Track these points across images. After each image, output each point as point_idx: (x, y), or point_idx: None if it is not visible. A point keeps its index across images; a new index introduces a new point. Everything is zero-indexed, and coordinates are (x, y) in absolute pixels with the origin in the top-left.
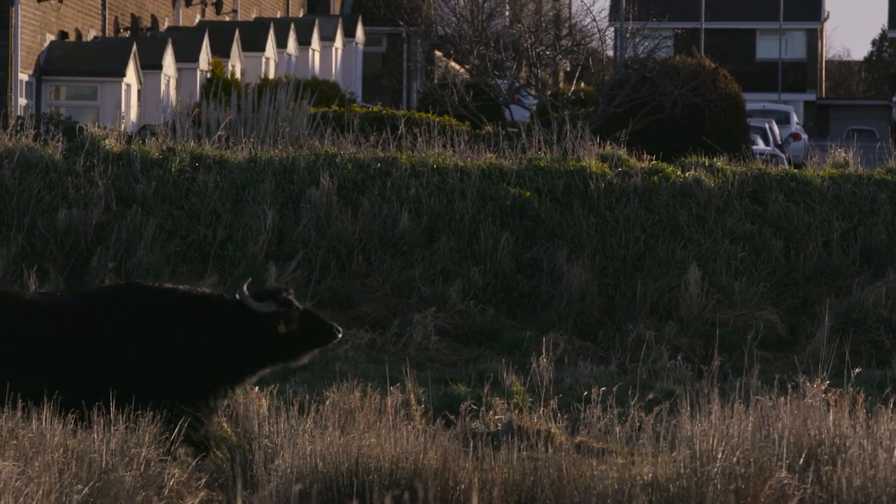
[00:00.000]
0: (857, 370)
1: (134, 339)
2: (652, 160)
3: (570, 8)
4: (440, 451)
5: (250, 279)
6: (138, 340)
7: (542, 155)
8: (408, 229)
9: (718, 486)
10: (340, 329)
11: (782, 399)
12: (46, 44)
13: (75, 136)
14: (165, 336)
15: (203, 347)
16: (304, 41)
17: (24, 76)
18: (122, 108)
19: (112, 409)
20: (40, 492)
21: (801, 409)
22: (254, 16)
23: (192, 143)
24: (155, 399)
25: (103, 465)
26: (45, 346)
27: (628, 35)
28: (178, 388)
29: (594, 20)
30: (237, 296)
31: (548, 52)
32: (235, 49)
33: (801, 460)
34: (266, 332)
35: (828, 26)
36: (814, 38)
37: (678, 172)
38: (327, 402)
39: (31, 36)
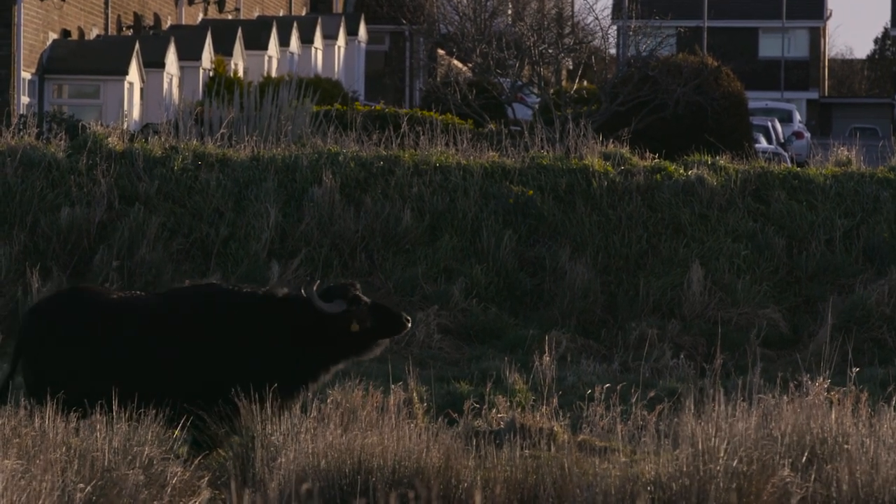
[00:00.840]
0: (856, 369)
1: (213, 340)
2: (654, 158)
3: (572, 6)
4: (443, 449)
5: (318, 280)
6: (217, 341)
7: (545, 153)
8: (410, 228)
9: (721, 484)
10: (410, 318)
11: (785, 397)
12: (49, 42)
13: (78, 134)
14: (244, 337)
15: (280, 348)
16: (306, 39)
17: (26, 74)
18: (125, 107)
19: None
20: (43, 490)
21: (803, 407)
22: (256, 14)
23: (194, 142)
24: (230, 399)
25: (106, 464)
26: (130, 345)
27: (631, 33)
28: (255, 388)
29: (597, 18)
30: (307, 296)
31: (550, 51)
32: (238, 47)
33: (804, 458)
34: (338, 331)
35: (830, 24)
36: (816, 37)
37: (681, 171)
38: (329, 401)
39: (34, 34)
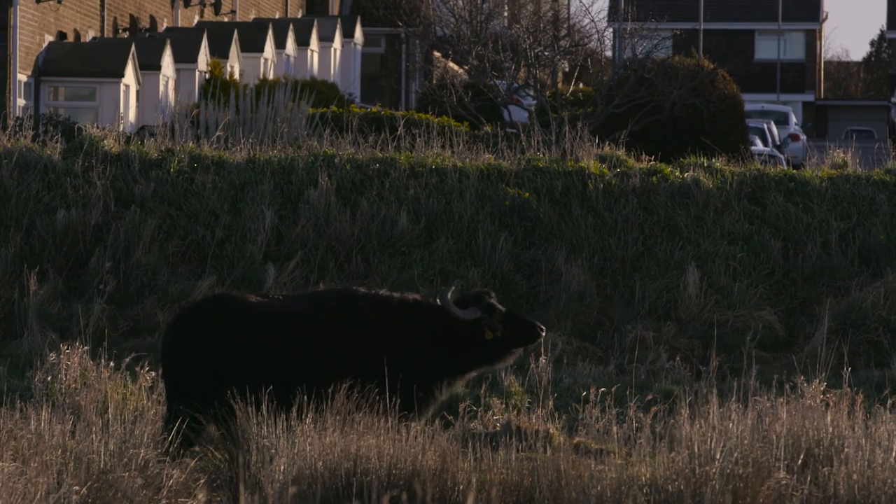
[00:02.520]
0: (849, 369)
1: (353, 343)
2: (650, 161)
3: (568, 8)
4: (439, 451)
5: (454, 287)
6: (357, 345)
7: (541, 155)
8: (406, 230)
9: (717, 486)
10: (543, 327)
11: (781, 399)
12: (45, 44)
13: (74, 136)
14: (381, 342)
15: (416, 354)
16: (302, 42)
17: (22, 77)
18: (121, 109)
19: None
20: (39, 492)
21: (799, 409)
22: (252, 16)
23: (190, 144)
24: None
25: (102, 466)
26: (275, 349)
27: (627, 35)
28: (391, 393)
29: (593, 21)
30: (442, 303)
31: (546, 53)
32: (234, 50)
33: (800, 461)
34: (472, 338)
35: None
36: (812, 39)
37: (677, 173)
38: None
39: (30, 37)
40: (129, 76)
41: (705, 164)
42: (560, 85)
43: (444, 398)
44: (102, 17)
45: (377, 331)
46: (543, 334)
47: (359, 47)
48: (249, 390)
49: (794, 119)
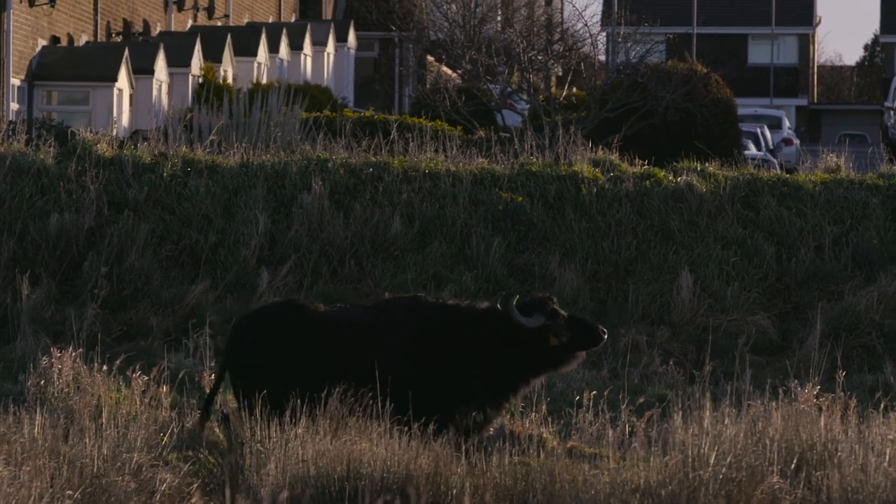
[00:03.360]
0: (842, 373)
1: (420, 351)
2: (644, 165)
3: (562, 13)
4: (432, 456)
5: (517, 295)
6: (424, 353)
7: (534, 160)
8: (400, 234)
9: (710, 490)
10: (605, 330)
11: (774, 404)
12: (38, 49)
13: (67, 140)
14: (448, 349)
15: (482, 361)
16: (296, 46)
17: (15, 81)
18: (114, 113)
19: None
20: (32, 497)
21: (792, 413)
22: (246, 21)
23: (183, 148)
24: (436, 410)
25: (95, 471)
26: (343, 355)
27: (620, 40)
28: (459, 400)
29: (586, 25)
30: (506, 311)
31: (540, 57)
32: (227, 54)
33: (793, 465)
34: (537, 344)
35: (820, 31)
36: (806, 43)
37: (670, 177)
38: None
39: (23, 41)
40: (123, 80)
41: (699, 169)
42: (553, 89)
43: (508, 406)
44: (96, 21)
45: (443, 340)
46: (605, 337)
47: (352, 51)
48: (310, 397)
49: (787, 123)
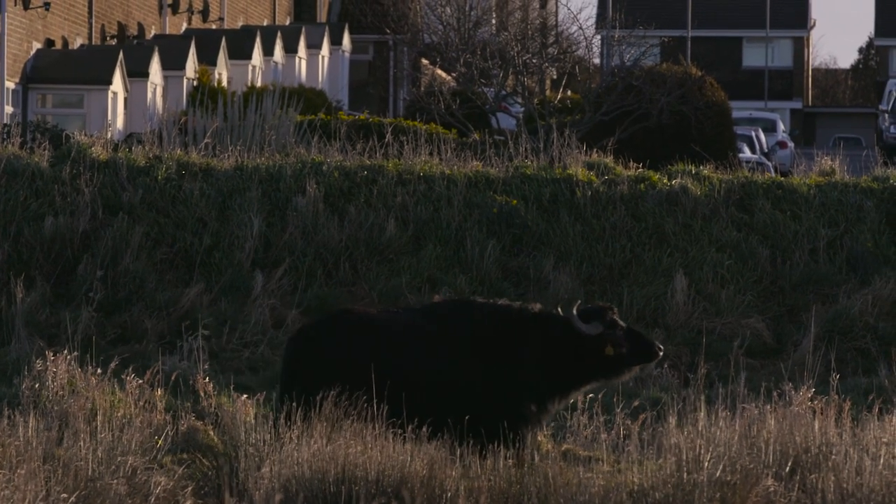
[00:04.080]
0: (837, 376)
1: (474, 355)
2: (638, 168)
3: (556, 16)
4: (427, 458)
5: (580, 300)
6: (477, 356)
7: (529, 163)
8: (394, 237)
9: (705, 493)
10: (662, 347)
11: (768, 407)
12: (33, 52)
13: (62, 143)
14: (501, 352)
15: (535, 364)
16: (290, 49)
17: (10, 84)
18: (109, 116)
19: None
20: (26, 500)
21: (787, 416)
22: (240, 24)
23: (178, 151)
24: (488, 414)
25: (90, 474)
26: (404, 360)
27: (615, 43)
28: (511, 403)
29: (581, 28)
30: (566, 316)
31: (534, 60)
32: (222, 57)
33: (788, 468)
34: (592, 352)
35: (814, 34)
36: (800, 46)
37: (664, 180)
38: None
39: (18, 44)
40: (117, 83)
41: (693, 172)
42: (548, 92)
43: (558, 411)
44: (90, 24)
45: (494, 343)
46: (661, 355)
47: (347, 54)
48: (368, 403)
49: (781, 126)
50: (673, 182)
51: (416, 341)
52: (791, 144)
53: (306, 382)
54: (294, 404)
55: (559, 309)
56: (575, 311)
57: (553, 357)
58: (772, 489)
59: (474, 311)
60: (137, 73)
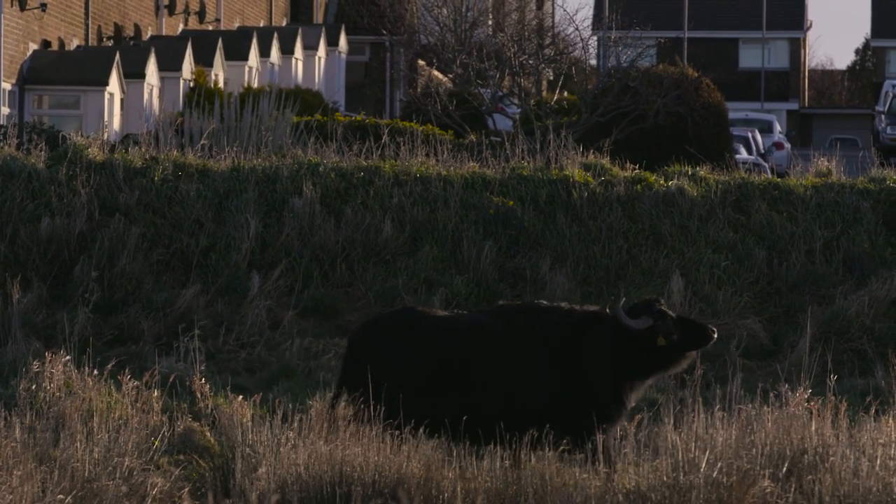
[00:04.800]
0: (834, 377)
1: (541, 357)
2: (635, 169)
3: (553, 17)
4: (423, 460)
5: (624, 298)
6: (544, 359)
7: (525, 164)
8: (391, 238)
9: (701, 494)
10: (715, 329)
11: (765, 408)
12: (29, 53)
13: (58, 145)
14: (567, 355)
15: (602, 368)
16: (287, 50)
17: (6, 85)
18: (105, 117)
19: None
20: (22, 501)
21: (783, 417)
22: (237, 25)
23: (174, 152)
24: (558, 417)
25: (86, 475)
26: (468, 362)
27: (611, 44)
28: (581, 405)
29: (577, 29)
30: (613, 314)
31: (531, 61)
32: (218, 58)
33: (784, 469)
34: (646, 346)
35: (811, 35)
36: (797, 47)
37: (661, 181)
38: (311, 411)
39: (14, 45)
40: (114, 84)
41: (690, 173)
42: (544, 93)
43: (625, 411)
44: (87, 25)
45: (560, 346)
46: (715, 336)
47: (343, 56)
48: (432, 403)
49: (778, 127)
50: (669, 183)
51: (482, 342)
52: (787, 145)
53: (368, 378)
54: (351, 400)
55: (606, 308)
56: (622, 307)
57: (612, 356)
58: (768, 490)
59: (539, 314)
60: (134, 74)
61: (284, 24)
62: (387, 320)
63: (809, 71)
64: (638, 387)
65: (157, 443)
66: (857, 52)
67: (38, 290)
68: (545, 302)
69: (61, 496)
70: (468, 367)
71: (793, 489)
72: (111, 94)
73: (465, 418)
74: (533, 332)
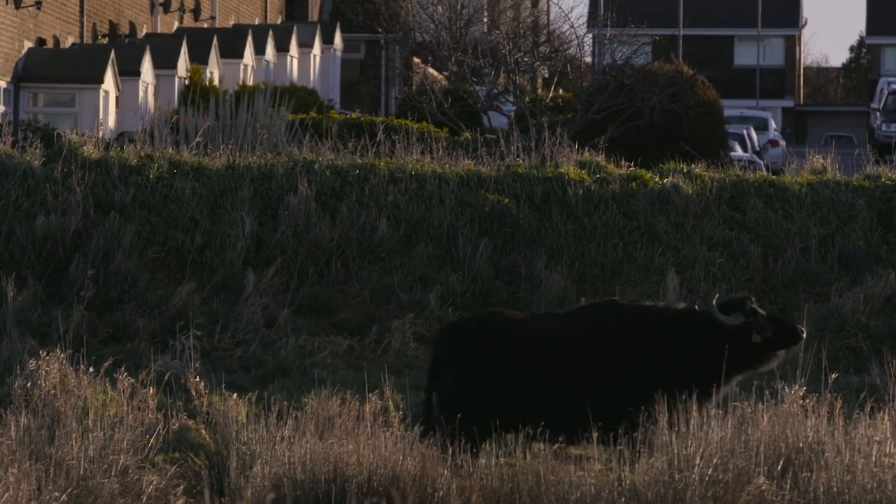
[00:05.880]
0: (834, 375)
1: (617, 358)
2: (630, 167)
3: (548, 14)
4: (418, 457)
5: (718, 294)
6: (630, 356)
7: (521, 161)
8: (386, 236)
9: (696, 492)
10: (804, 328)
11: (760, 405)
12: (24, 50)
13: (53, 142)
14: (652, 352)
15: (686, 361)
16: (282, 48)
17: (1, 83)
18: (100, 115)
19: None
20: (18, 499)
21: (779, 415)
22: (232, 23)
23: (170, 150)
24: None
25: (81, 473)
26: (557, 365)
27: (606, 41)
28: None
29: (572, 27)
30: (706, 311)
31: (526, 59)
32: (213, 56)
33: (780, 466)
34: (738, 343)
35: (806, 33)
36: (792, 45)
37: (656, 179)
38: (306, 409)
39: (9, 43)
40: (109, 82)
41: (685, 170)
42: (540, 91)
43: (711, 407)
44: (82, 23)
45: (642, 344)
46: (804, 336)
47: (338, 53)
48: (517, 406)
49: (773, 125)
50: (665, 181)
51: (568, 343)
52: (783, 143)
53: (460, 385)
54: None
55: (697, 305)
56: (714, 304)
57: (702, 352)
58: (763, 488)
59: (618, 314)
60: (129, 71)
61: (280, 21)
62: (475, 323)
63: (805, 68)
64: (725, 384)
65: (152, 440)
66: (852, 49)
67: (33, 288)
68: (625, 300)
69: (56, 494)
70: (556, 367)
71: (788, 486)
72: (106, 92)
73: (568, 420)
74: (608, 331)
